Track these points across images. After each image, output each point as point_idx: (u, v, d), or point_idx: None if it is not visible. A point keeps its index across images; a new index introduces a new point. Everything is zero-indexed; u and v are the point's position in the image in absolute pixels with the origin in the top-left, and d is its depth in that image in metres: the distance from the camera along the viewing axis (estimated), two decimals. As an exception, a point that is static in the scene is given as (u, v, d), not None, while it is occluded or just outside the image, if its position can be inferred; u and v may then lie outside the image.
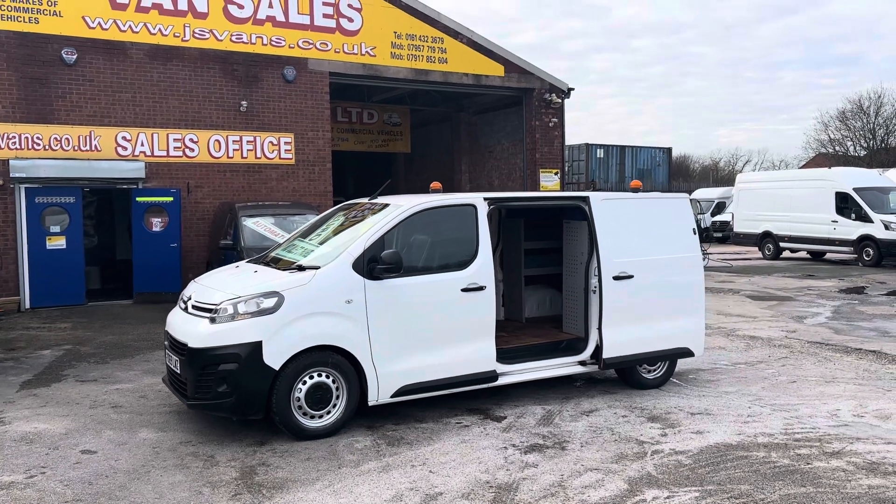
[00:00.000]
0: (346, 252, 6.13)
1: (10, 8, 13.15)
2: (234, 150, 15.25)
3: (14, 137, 13.28)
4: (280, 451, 5.69)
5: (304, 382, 5.89)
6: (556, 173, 19.57)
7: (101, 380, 8.05)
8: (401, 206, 6.52)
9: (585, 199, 7.15)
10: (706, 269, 18.70)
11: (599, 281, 6.97)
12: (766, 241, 23.46)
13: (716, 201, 33.32)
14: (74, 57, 13.66)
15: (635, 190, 7.64)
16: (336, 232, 6.97)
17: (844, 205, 21.00)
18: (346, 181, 23.69)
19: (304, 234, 7.41)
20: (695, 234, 7.65)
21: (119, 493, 4.92)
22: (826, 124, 50.08)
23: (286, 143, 15.81)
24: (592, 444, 5.81)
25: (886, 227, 19.92)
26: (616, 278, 7.04)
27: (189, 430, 6.24)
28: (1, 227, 13.32)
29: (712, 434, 6.06)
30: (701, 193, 35.71)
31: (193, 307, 6.24)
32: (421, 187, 7.71)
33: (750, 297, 14.56)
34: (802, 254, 23.56)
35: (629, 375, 7.48)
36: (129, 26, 14.11)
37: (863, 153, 46.04)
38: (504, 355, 6.76)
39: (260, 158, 15.54)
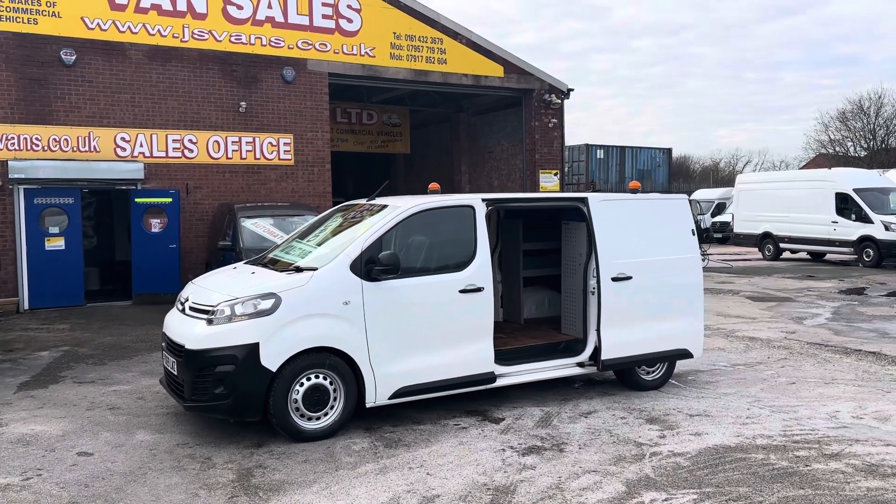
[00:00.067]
0: (344, 253, 6.12)
1: (8, 9, 13.14)
2: (233, 150, 15.24)
3: (13, 138, 13.27)
4: (277, 453, 5.68)
5: (302, 384, 5.87)
6: (555, 174, 19.56)
7: (98, 381, 8.04)
8: (399, 207, 6.50)
9: (584, 200, 7.13)
10: (706, 269, 18.69)
11: (598, 282, 6.96)
12: (766, 241, 23.43)
13: (716, 202, 33.31)
14: (73, 58, 13.65)
15: (634, 191, 7.62)
16: (334, 233, 6.96)
17: (844, 205, 20.97)
18: (345, 182, 23.68)
19: (303, 236, 7.40)
20: (693, 234, 7.63)
21: (115, 495, 4.90)
22: (826, 125, 50.14)
23: (285, 143, 15.80)
24: (591, 446, 5.79)
25: (887, 228, 19.89)
26: (615, 279, 7.02)
27: (186, 431, 6.22)
28: (0, 228, 13.31)
29: (711, 436, 6.04)
30: (701, 194, 35.70)
31: (191, 309, 6.23)
32: (420, 188, 7.70)
33: (749, 297, 14.54)
34: (802, 255, 23.53)
35: (628, 377, 7.46)
36: (128, 27, 14.11)
37: (863, 154, 46.02)
38: (502, 357, 6.75)
39: (259, 159, 15.53)
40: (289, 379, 5.80)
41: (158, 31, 14.37)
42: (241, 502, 4.78)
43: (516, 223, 8.31)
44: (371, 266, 6.04)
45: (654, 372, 7.55)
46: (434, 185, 7.60)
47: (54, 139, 13.57)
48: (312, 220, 8.22)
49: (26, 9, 13.28)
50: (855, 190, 20.84)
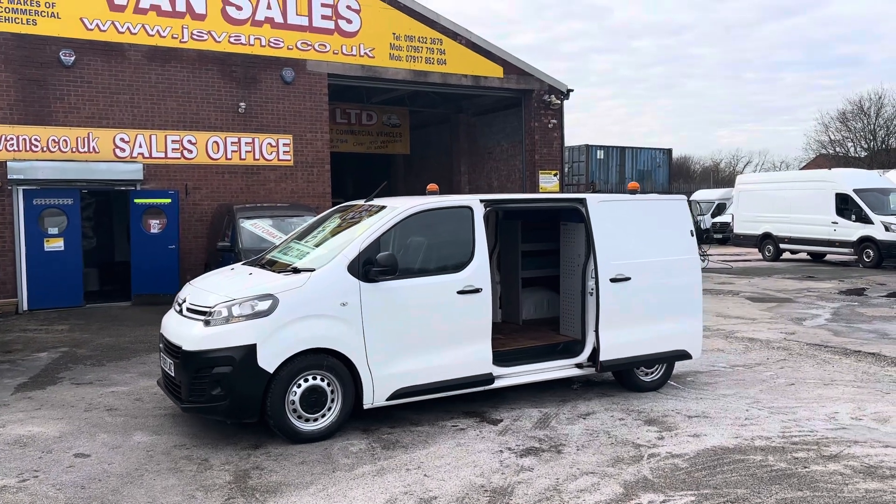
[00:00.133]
0: (342, 254, 6.11)
1: (7, 10, 13.13)
2: (232, 151, 15.24)
3: (12, 139, 13.26)
4: (274, 454, 5.66)
5: (299, 385, 5.86)
6: (555, 174, 19.54)
7: (96, 382, 8.03)
8: (397, 208, 6.49)
9: (582, 201, 7.12)
10: (706, 270, 18.70)
11: (596, 283, 6.94)
12: (766, 242, 23.42)
13: (716, 202, 33.28)
14: (72, 58, 13.65)
15: (633, 191, 7.61)
16: (332, 234, 6.95)
17: (845, 206, 20.96)
18: (345, 183, 23.67)
19: (301, 236, 7.39)
20: (692, 235, 7.62)
21: (111, 497, 4.89)
22: (826, 125, 50.19)
23: (284, 144, 15.79)
24: (589, 448, 5.78)
25: (887, 229, 19.88)
26: (613, 280, 7.01)
27: (183, 433, 6.21)
28: (-1, 229, 13.31)
29: (709, 437, 6.02)
30: (701, 195, 35.68)
31: (188, 310, 6.21)
32: (420, 189, 7.70)
33: (749, 298, 14.52)
34: (802, 255, 23.52)
35: (626, 378, 7.45)
36: (128, 28, 14.10)
37: (863, 154, 46.00)
38: (501, 358, 6.73)
39: (258, 160, 15.53)
40: (286, 380, 5.79)
41: (157, 31, 14.37)
42: (237, 504, 4.77)
43: (515, 224, 8.29)
44: (369, 267, 6.03)
45: (652, 373, 7.53)
46: (432, 186, 7.60)
47: (53, 140, 13.56)
48: (311, 220, 8.21)
49: (25, 9, 13.27)
50: (855, 190, 20.83)
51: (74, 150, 13.73)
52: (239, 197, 15.12)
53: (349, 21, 16.27)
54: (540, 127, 19.30)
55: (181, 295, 6.62)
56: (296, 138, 15.91)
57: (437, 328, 6.35)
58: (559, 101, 19.34)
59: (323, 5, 15.94)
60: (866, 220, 20.33)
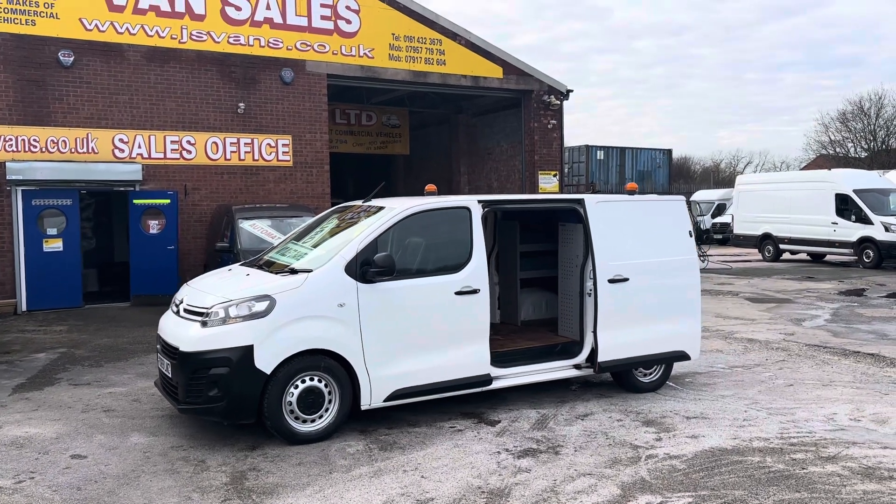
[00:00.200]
0: (339, 255, 6.10)
1: (6, 10, 13.13)
2: (231, 152, 15.23)
3: (11, 140, 13.25)
4: (271, 455, 5.65)
5: (296, 386, 5.85)
6: (554, 175, 19.54)
7: (94, 383, 8.02)
8: (395, 208, 6.48)
9: (580, 202, 7.11)
10: (705, 271, 18.70)
11: (594, 284, 6.93)
12: (766, 242, 23.41)
13: (716, 203, 33.27)
14: (71, 59, 13.64)
15: (631, 192, 7.60)
16: (330, 235, 6.93)
17: (844, 206, 20.95)
18: (345, 183, 23.66)
19: (299, 237, 7.38)
20: (691, 236, 7.61)
21: (107, 498, 4.88)
22: (827, 126, 50.12)
23: (284, 145, 15.78)
24: (586, 449, 5.77)
25: (886, 229, 19.87)
26: (611, 281, 7.00)
27: (181, 434, 6.20)
28: (-3, 230, 13.30)
29: (707, 438, 6.01)
30: (701, 195, 35.67)
31: (185, 311, 6.21)
32: (420, 189, 7.69)
33: (749, 299, 14.51)
34: (802, 256, 23.50)
35: (625, 379, 7.44)
36: (127, 28, 14.10)
37: (863, 155, 45.98)
38: (499, 359, 6.72)
39: (258, 160, 15.52)
40: (283, 381, 5.78)
41: (157, 32, 14.36)
42: (233, 505, 4.76)
43: (513, 225, 8.28)
44: (366, 268, 6.02)
45: (651, 374, 7.52)
46: (430, 187, 7.59)
47: (52, 140, 13.56)
48: (309, 221, 8.20)
49: (24, 10, 13.27)
50: (855, 191, 20.82)
51: (73, 150, 13.72)
52: (238, 197, 15.11)
53: (348, 21, 16.26)
54: (539, 127, 19.29)
55: (178, 296, 6.62)
56: (295, 139, 15.90)
57: (435, 329, 6.34)
58: (559, 102, 19.34)
59: (322, 6, 15.94)
60: (866, 220, 20.32)
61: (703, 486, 5.01)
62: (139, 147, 14.31)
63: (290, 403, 5.83)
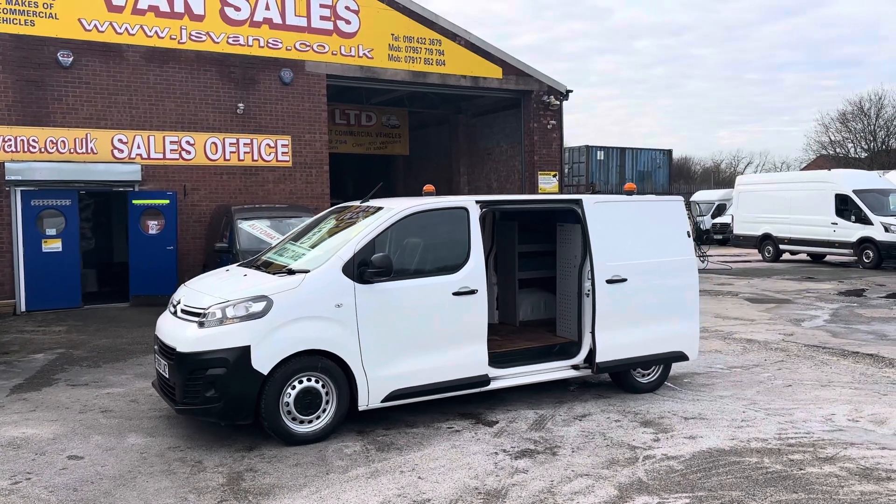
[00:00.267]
0: (336, 256, 6.09)
1: (5, 10, 13.13)
2: (230, 152, 15.22)
3: (10, 140, 13.25)
4: (268, 456, 5.65)
5: (294, 387, 5.84)
6: (554, 175, 19.53)
7: (92, 384, 8.01)
8: (392, 209, 6.47)
9: (578, 202, 7.10)
10: (705, 271, 18.69)
11: (592, 284, 6.93)
12: (766, 243, 23.39)
13: (716, 203, 33.25)
14: (70, 59, 13.64)
15: (629, 193, 7.59)
16: (328, 235, 6.93)
17: (844, 207, 20.94)
18: (344, 183, 23.65)
19: (297, 238, 7.37)
20: (689, 236, 7.60)
21: (104, 499, 4.87)
22: (827, 126, 50.13)
23: (283, 145, 15.78)
24: (584, 450, 5.76)
25: (886, 230, 19.85)
26: (609, 282, 6.99)
27: (178, 435, 6.19)
28: (-3, 230, 13.30)
29: (705, 439, 6.00)
30: (701, 195, 35.65)
31: (182, 311, 6.20)
32: (419, 190, 7.69)
33: (748, 299, 14.50)
34: (802, 256, 23.49)
35: (623, 379, 7.43)
36: (126, 28, 14.09)
37: (863, 155, 45.97)
38: (497, 359, 6.72)
39: (257, 161, 15.51)
40: (280, 382, 5.77)
41: (156, 32, 14.36)
42: (230, 506, 4.75)
43: (512, 225, 8.27)
44: (363, 268, 6.01)
45: (649, 374, 7.51)
46: (428, 187, 7.58)
47: (51, 141, 13.55)
48: (308, 221, 8.19)
49: (23, 10, 13.27)
50: (854, 191, 20.81)
51: (72, 150, 13.72)
52: (237, 198, 15.11)
53: (348, 22, 16.26)
54: (539, 128, 19.29)
55: (176, 296, 6.62)
56: (294, 139, 15.89)
57: (433, 330, 6.33)
58: (558, 102, 19.33)
59: (321, 6, 15.94)
60: (866, 220, 20.31)
61: (701, 487, 5.00)
62: (138, 147, 14.31)
63: (288, 404, 5.82)
